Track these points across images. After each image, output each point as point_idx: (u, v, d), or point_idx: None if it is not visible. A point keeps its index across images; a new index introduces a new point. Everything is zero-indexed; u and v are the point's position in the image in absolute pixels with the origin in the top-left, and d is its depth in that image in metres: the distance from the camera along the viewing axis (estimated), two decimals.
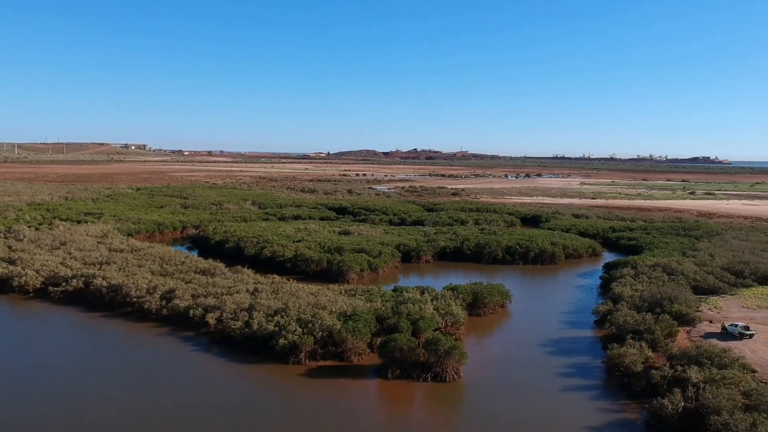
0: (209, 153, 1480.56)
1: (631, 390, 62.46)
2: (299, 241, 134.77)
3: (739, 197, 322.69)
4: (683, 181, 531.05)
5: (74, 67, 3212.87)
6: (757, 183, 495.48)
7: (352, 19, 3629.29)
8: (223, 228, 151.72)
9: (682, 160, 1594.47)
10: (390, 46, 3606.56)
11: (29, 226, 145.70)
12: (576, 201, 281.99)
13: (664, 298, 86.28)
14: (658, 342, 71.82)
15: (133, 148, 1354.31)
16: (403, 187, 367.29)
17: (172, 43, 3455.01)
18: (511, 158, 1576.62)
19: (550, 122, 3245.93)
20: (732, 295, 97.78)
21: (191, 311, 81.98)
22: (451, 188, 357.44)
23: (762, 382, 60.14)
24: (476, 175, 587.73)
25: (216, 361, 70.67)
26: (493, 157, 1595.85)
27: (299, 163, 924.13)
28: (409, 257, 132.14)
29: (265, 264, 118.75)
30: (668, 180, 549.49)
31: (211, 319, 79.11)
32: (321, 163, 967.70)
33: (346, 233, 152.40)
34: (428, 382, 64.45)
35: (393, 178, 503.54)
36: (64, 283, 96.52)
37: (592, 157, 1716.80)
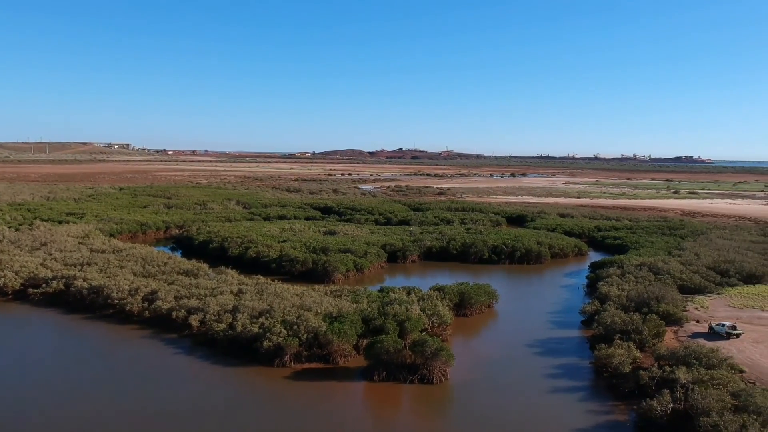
0: (194, 152, 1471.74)
1: (620, 391, 61.97)
2: (284, 241, 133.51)
3: (722, 196, 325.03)
4: (667, 180, 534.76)
5: (57, 65, 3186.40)
6: (739, 182, 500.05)
7: (337, 18, 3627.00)
8: (207, 228, 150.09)
9: (665, 159, 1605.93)
10: (375, 45, 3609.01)
11: (9, 227, 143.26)
12: (561, 200, 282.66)
13: (651, 298, 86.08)
14: (645, 342, 71.48)
15: (116, 147, 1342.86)
16: (388, 187, 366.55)
17: (156, 42, 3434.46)
18: (496, 158, 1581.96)
19: (535, 122, 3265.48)
20: (718, 294, 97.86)
21: (174, 313, 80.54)
22: (437, 188, 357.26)
23: (750, 383, 59.94)
24: (462, 175, 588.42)
25: (199, 363, 69.39)
26: (478, 156, 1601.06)
27: (284, 162, 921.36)
28: (395, 257, 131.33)
29: (250, 264, 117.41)
30: (652, 179, 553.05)
31: (194, 321, 77.74)
32: (306, 162, 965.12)
33: (332, 233, 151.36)
34: (415, 384, 63.59)
35: (379, 177, 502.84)
36: (44, 285, 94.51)
37: (576, 156, 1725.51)
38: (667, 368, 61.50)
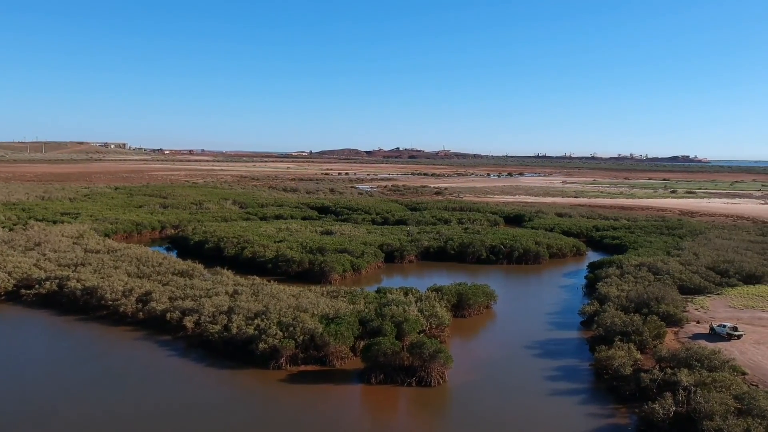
0: (190, 152, 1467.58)
1: (620, 393, 61.02)
2: (281, 241, 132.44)
3: (719, 196, 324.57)
4: (664, 179, 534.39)
5: (53, 65, 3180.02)
6: (736, 182, 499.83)
7: (334, 18, 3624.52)
8: (203, 228, 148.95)
9: (661, 159, 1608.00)
10: (373, 45, 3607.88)
11: (3, 227, 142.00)
12: (559, 200, 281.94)
13: (651, 299, 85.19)
14: (646, 343, 70.56)
15: (112, 146, 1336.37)
16: (385, 186, 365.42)
17: (153, 42, 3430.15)
18: (493, 157, 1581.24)
19: (532, 121, 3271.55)
20: (718, 294, 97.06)
21: (168, 314, 79.47)
22: (434, 187, 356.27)
23: (753, 385, 59.10)
24: (459, 174, 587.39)
25: (193, 366, 68.37)
26: (475, 156, 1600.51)
27: (281, 162, 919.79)
28: (392, 257, 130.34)
29: (246, 265, 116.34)
30: (649, 179, 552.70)
31: (188, 322, 76.62)
32: (303, 162, 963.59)
33: (329, 233, 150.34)
34: (413, 387, 62.66)
35: (376, 177, 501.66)
36: (37, 286, 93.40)
37: (573, 156, 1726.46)
38: (669, 370, 60.67)
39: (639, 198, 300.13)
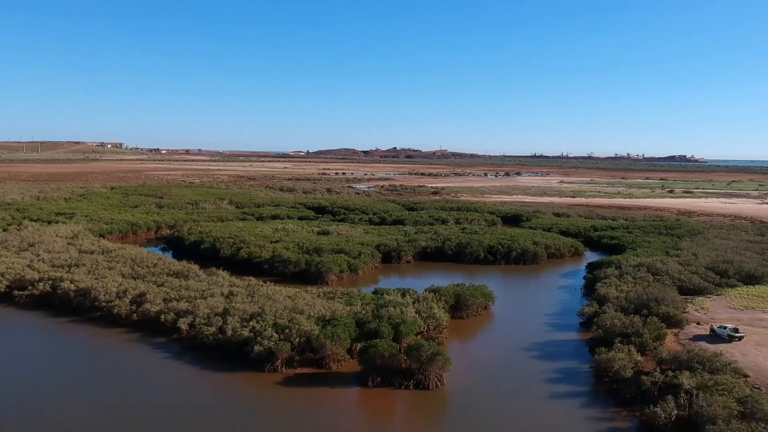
0: (187, 151, 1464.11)
1: (621, 396, 60.12)
2: (277, 241, 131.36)
3: (717, 195, 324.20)
4: (661, 179, 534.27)
5: (50, 65, 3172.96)
6: (733, 181, 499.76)
7: (332, 18, 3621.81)
8: (199, 228, 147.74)
9: (658, 158, 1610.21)
10: (370, 45, 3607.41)
11: None
12: (556, 200, 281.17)
13: (651, 300, 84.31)
14: (646, 345, 69.65)
15: (109, 146, 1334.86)
16: (383, 186, 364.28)
17: (150, 42, 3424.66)
18: (490, 157, 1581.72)
19: (529, 121, 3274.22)
20: (717, 295, 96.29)
21: (163, 316, 78.39)
22: (431, 187, 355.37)
23: (755, 388, 58.27)
24: (456, 174, 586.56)
25: (188, 368, 67.35)
26: (472, 155, 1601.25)
27: (278, 161, 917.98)
28: (389, 257, 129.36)
29: (242, 265, 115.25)
30: (646, 178, 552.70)
31: (183, 324, 75.54)
32: (300, 161, 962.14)
33: (326, 233, 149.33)
34: (410, 390, 61.69)
35: (373, 176, 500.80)
36: (30, 287, 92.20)
37: (570, 155, 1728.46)
38: (670, 373, 59.80)
39: (636, 198, 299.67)
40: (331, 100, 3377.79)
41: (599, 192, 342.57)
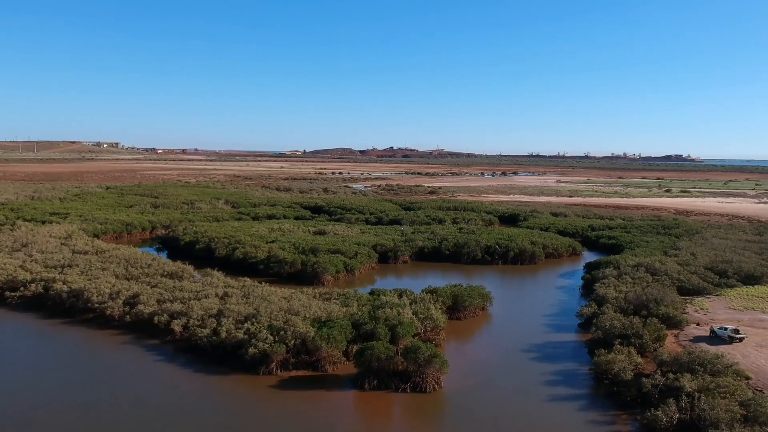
0: (183, 151, 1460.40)
1: (621, 399, 59.16)
2: (273, 241, 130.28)
3: (714, 195, 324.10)
4: (658, 179, 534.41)
5: (46, 64, 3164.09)
6: (730, 180, 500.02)
7: (328, 18, 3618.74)
8: (194, 228, 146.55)
9: (655, 158, 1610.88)
10: (367, 44, 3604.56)
11: None
12: (553, 199, 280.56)
13: (650, 300, 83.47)
14: (646, 347, 68.80)
15: (105, 146, 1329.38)
16: (379, 186, 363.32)
17: (147, 41, 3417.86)
18: (486, 156, 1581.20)
19: (525, 121, 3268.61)
20: (717, 295, 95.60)
21: (156, 318, 77.32)
22: (428, 186, 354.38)
23: (757, 390, 57.46)
24: (453, 174, 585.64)
25: (181, 371, 66.30)
26: (469, 155, 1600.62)
27: (275, 161, 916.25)
28: (386, 258, 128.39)
29: (237, 266, 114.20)
30: (643, 178, 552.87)
31: (176, 326, 74.38)
32: (297, 161, 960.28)
33: (322, 233, 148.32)
34: (407, 393, 60.69)
35: (369, 176, 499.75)
36: (22, 288, 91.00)
37: (566, 155, 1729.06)
38: (671, 375, 58.86)
39: (634, 197, 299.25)
40: (328, 99, 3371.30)
41: (596, 191, 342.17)
